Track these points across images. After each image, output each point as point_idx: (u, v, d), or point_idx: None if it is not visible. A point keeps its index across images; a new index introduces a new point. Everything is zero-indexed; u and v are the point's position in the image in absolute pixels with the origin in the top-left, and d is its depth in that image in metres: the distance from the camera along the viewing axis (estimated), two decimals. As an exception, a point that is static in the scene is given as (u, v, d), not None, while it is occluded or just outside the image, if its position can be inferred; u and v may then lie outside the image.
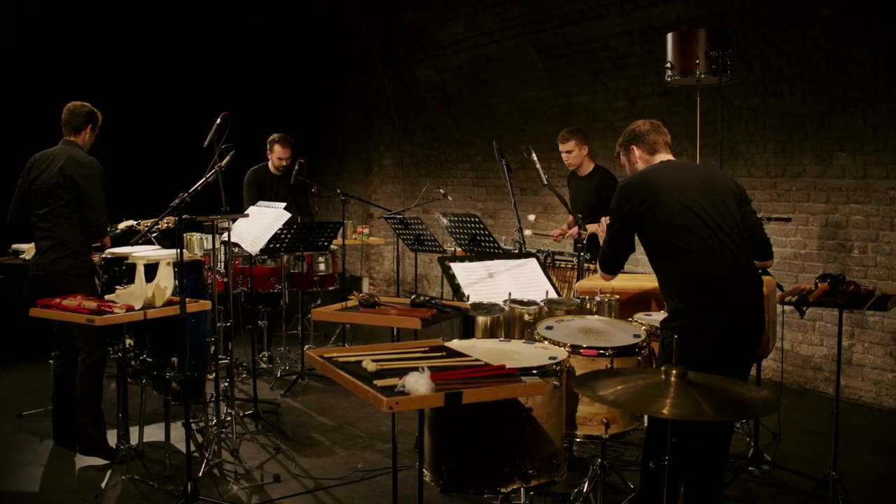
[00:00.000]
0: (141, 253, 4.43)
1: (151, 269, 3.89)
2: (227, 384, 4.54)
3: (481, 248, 4.99)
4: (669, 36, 4.86)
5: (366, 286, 9.92)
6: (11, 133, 8.35)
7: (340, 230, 6.01)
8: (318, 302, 6.70)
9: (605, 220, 3.69)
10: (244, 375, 5.94)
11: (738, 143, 6.05)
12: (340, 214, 6.40)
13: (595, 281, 3.73)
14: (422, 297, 3.01)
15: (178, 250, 3.61)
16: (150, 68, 9.51)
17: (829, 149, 5.52)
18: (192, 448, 3.85)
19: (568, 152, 5.53)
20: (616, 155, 3.39)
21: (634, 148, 3.23)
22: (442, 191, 6.74)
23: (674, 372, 2.15)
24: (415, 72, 8.97)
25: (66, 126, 4.31)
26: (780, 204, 5.83)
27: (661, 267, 3.01)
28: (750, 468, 4.11)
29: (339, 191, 6.41)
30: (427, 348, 2.72)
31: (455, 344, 2.91)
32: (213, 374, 4.27)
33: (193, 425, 4.47)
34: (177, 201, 3.58)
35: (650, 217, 2.97)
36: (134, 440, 4.20)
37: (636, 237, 3.11)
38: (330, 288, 6.28)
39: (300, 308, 6.43)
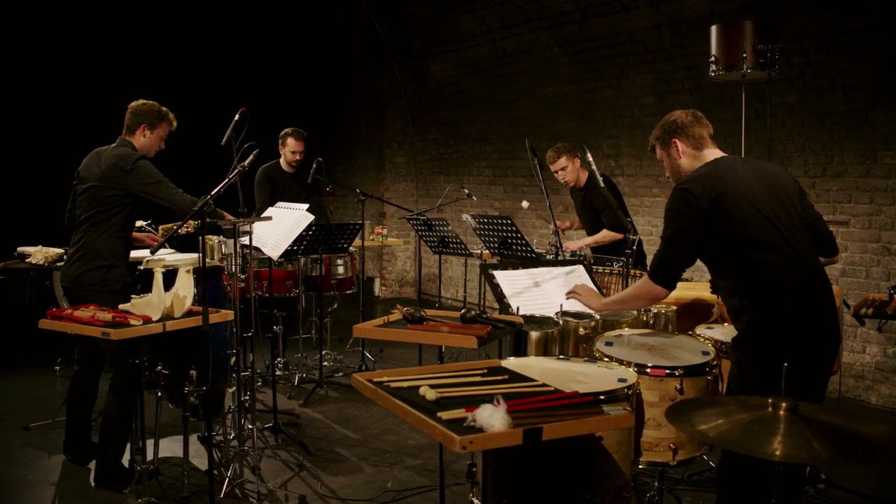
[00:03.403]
0: (157, 257, 4.15)
1: (169, 277, 3.62)
2: (247, 397, 4.29)
3: (512, 251, 4.72)
4: (713, 28, 4.60)
5: (377, 287, 9.66)
6: (12, 134, 8.11)
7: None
8: (335, 306, 6.44)
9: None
10: (259, 383, 5.68)
11: (775, 141, 5.78)
12: (355, 215, 6.12)
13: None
14: (472, 312, 2.76)
15: (201, 256, 3.34)
16: (161, 67, 9.23)
17: (873, 147, 5.27)
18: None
19: (562, 170, 5.08)
20: (650, 149, 3.04)
21: (677, 141, 2.89)
22: (466, 191, 6.47)
23: (783, 405, 1.90)
24: (430, 66, 8.69)
25: (125, 125, 4.00)
26: (819, 205, 5.57)
27: (733, 280, 2.71)
28: (805, 487, 3.88)
29: (357, 190, 6.08)
30: (485, 370, 2.46)
31: (512, 363, 2.65)
32: (234, 388, 4.01)
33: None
34: (200, 204, 3.32)
35: (716, 223, 2.68)
36: (149, 455, 3.94)
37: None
38: (348, 291, 5.99)
39: (314, 311, 6.16)
